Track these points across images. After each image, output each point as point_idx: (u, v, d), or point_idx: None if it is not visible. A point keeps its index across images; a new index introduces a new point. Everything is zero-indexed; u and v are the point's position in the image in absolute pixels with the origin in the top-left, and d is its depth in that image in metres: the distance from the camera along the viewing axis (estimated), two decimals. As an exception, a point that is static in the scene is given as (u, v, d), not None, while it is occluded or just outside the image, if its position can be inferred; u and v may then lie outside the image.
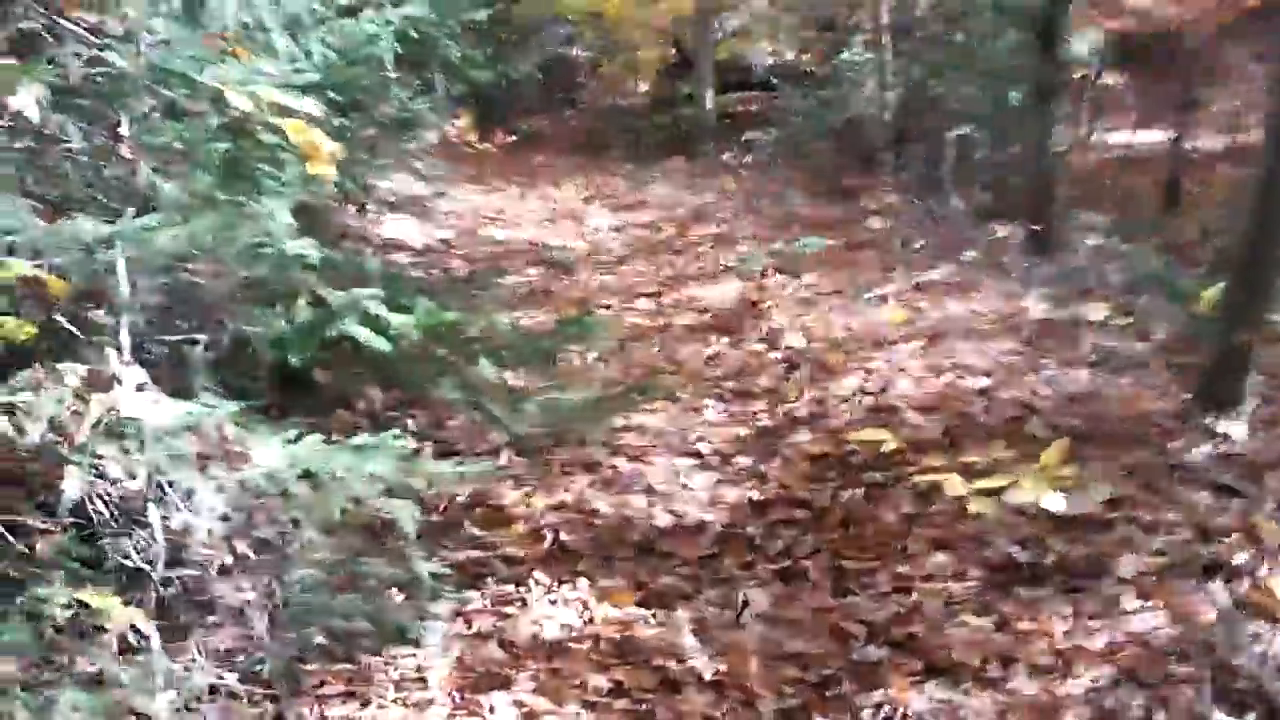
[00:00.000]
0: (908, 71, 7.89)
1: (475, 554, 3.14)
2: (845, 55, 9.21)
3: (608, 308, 5.36)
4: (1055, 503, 2.43)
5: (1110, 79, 14.04)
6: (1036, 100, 6.81)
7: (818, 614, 2.90)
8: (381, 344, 2.64)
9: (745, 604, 2.94)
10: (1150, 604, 2.83)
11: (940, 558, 3.04)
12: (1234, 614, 2.72)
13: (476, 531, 3.28)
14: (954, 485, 2.71)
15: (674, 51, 12.31)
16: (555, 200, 8.41)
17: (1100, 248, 6.53)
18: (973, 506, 2.68)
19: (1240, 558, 2.98)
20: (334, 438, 2.46)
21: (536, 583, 3.02)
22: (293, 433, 2.34)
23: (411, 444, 3.43)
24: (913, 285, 5.32)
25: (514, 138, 10.74)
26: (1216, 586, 2.86)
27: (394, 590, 2.78)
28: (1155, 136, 13.08)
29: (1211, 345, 4.10)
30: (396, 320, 2.64)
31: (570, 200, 8.42)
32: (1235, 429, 3.47)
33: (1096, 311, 4.83)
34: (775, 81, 9.05)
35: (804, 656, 2.73)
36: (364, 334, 2.63)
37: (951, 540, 3.11)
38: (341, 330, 2.61)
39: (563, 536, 3.26)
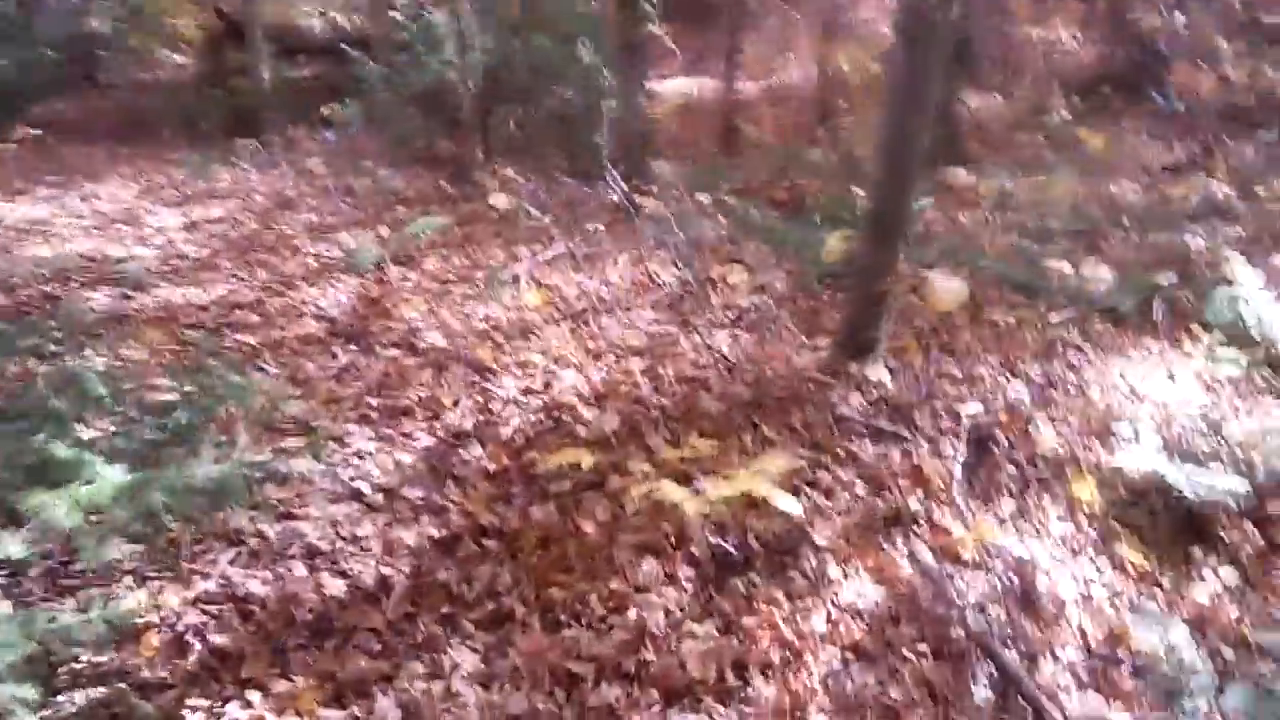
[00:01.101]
0: (489, 33, 7.58)
1: (99, 694, 2.44)
2: (398, 17, 8.71)
3: (201, 327, 4.55)
4: (790, 505, 2.32)
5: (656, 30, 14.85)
6: (623, 55, 6.85)
7: (536, 659, 2.59)
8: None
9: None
10: (851, 569, 2.87)
11: (649, 564, 2.86)
12: (929, 566, 2.82)
13: (94, 659, 2.56)
14: (668, 492, 2.51)
15: (218, 18, 10.98)
16: (102, 200, 7.11)
17: (695, 201, 6.75)
18: (688, 508, 2.51)
19: (914, 503, 3.13)
20: None
21: (192, 712, 2.41)
22: None
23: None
24: (541, 262, 5.10)
25: (37, 131, 9.01)
26: (903, 539, 2.97)
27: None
28: (699, 83, 14.05)
29: (836, 294, 4.32)
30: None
31: (121, 198, 7.17)
32: (879, 374, 3.65)
33: (720, 270, 4.93)
34: (344, 47, 8.31)
35: (534, 717, 2.43)
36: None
37: (655, 543, 2.94)
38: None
39: (213, 638, 2.64)
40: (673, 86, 13.99)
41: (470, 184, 7.06)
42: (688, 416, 3.50)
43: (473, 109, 7.62)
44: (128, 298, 4.86)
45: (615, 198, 6.49)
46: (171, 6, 10.64)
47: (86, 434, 2.65)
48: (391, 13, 9.78)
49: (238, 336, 4.46)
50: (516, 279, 4.84)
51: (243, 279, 5.21)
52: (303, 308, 4.74)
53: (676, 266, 4.99)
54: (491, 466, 3.32)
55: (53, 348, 4.20)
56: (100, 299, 4.79)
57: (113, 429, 2.51)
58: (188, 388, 3.09)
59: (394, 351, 4.21)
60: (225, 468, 2.46)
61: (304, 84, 11.17)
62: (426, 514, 3.16)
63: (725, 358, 3.90)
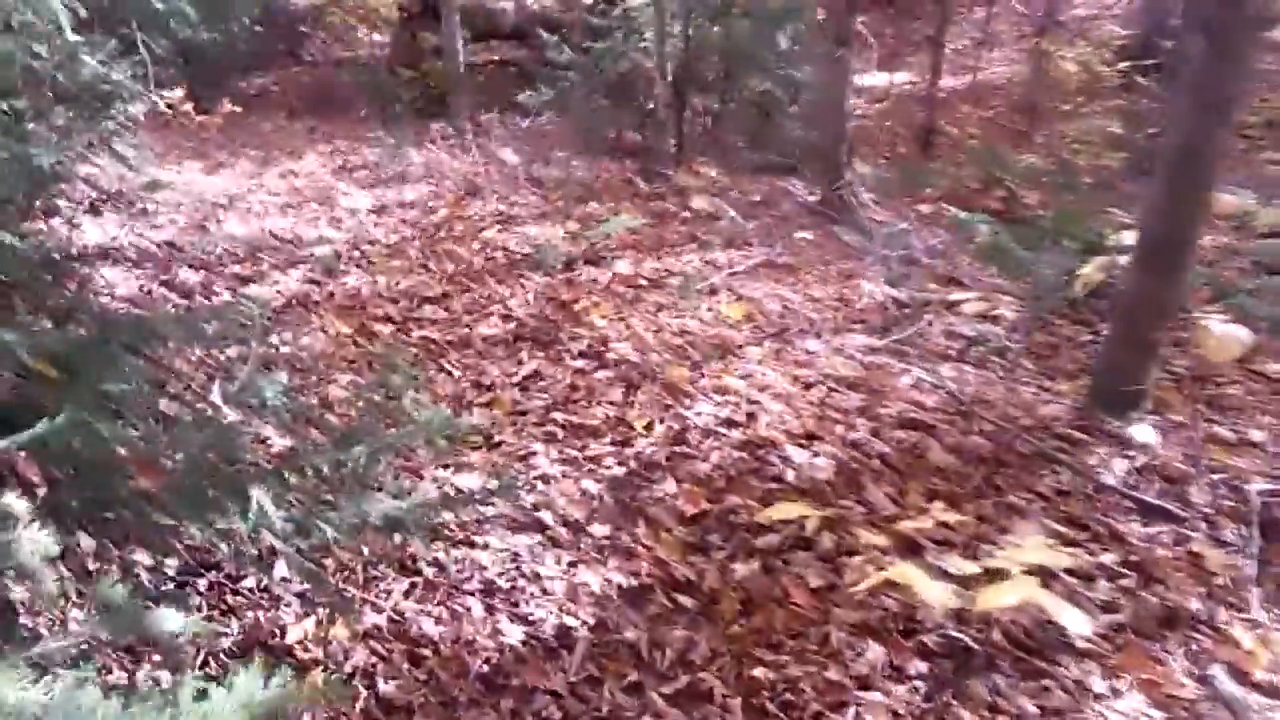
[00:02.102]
0: (687, 19, 7.23)
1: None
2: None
3: (388, 320, 4.40)
4: (1076, 622, 1.88)
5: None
6: (833, 45, 6.36)
7: (738, 756, 2.23)
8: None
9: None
10: (1121, 682, 2.36)
11: (872, 651, 2.44)
12: (1228, 692, 2.29)
13: (257, 695, 2.35)
14: (908, 576, 2.09)
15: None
16: (298, 176, 7.17)
17: (902, 207, 6.23)
18: (930, 596, 2.09)
19: (1194, 602, 2.59)
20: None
21: (356, 772, 2.16)
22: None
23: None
24: (740, 270, 4.71)
25: (237, 104, 9.26)
26: (1182, 650, 2.44)
27: None
28: (895, 77, 13.25)
29: (1078, 328, 3.76)
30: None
31: (316, 176, 7.21)
32: (1145, 434, 3.09)
33: (938, 290, 4.42)
34: (540, 33, 8.15)
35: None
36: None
37: (878, 624, 2.52)
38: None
39: (382, 685, 2.39)
40: (868, 80, 13.29)
41: (662, 179, 6.75)
42: (913, 468, 3.04)
43: (666, 99, 7.29)
44: (317, 283, 4.77)
45: (816, 199, 6.04)
46: (372, -14, 10.78)
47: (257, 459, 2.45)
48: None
49: (423, 333, 4.27)
50: (714, 289, 4.47)
51: (430, 270, 5.05)
52: (489, 305, 4.52)
53: (889, 283, 4.51)
54: (687, 508, 2.96)
55: (240, 333, 4.12)
56: (290, 283, 4.70)
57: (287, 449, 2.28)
58: (371, 394, 2.88)
59: (582, 362, 3.92)
60: (405, 504, 2.19)
61: (496, 68, 11.15)
62: (614, 556, 2.84)
63: (954, 398, 3.41)
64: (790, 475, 3.02)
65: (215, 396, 2.11)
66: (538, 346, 4.09)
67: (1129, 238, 3.70)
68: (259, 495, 1.71)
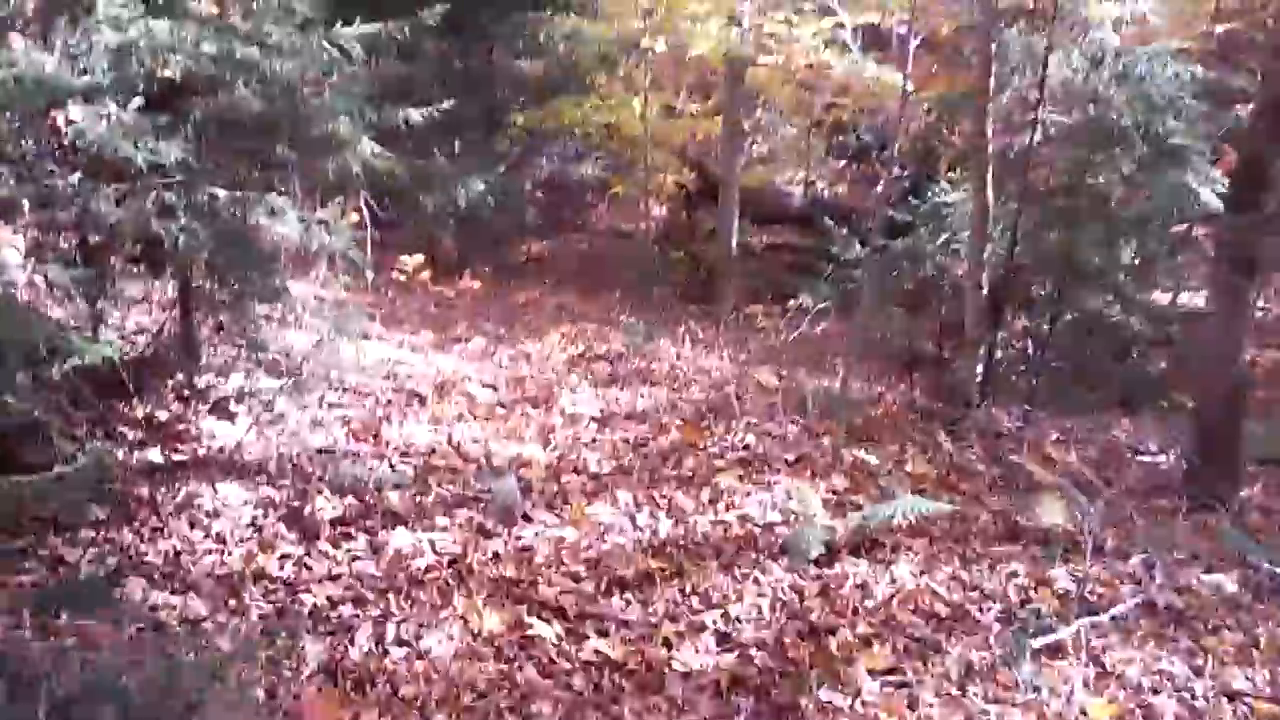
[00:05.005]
0: (1016, 220, 5.71)
1: None
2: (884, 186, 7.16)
3: (558, 612, 3.06)
4: None
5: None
6: (1229, 275, 4.60)
7: None
8: None
9: None
10: None
11: None
12: None
13: None
14: None
15: (696, 176, 10.27)
16: (529, 361, 6.19)
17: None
18: None
19: None
20: None
21: None
22: None
23: None
24: (1100, 612, 3.02)
25: (501, 271, 8.66)
26: None
27: None
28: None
29: None
30: None
31: (550, 362, 6.21)
32: None
33: None
34: (828, 221, 6.90)
35: None
36: None
37: None
38: None
39: None
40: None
41: (965, 419, 5.16)
42: None
43: (979, 315, 5.74)
44: (485, 534, 3.54)
45: (1187, 473, 4.21)
46: (663, 159, 10.01)
47: None
48: (882, 180, 8.36)
49: (599, 646, 2.89)
50: (1059, 645, 2.80)
51: (639, 527, 3.72)
52: (703, 610, 3.09)
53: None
54: None
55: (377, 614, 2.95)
56: (450, 532, 3.50)
57: None
58: None
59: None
60: None
61: (773, 255, 10.07)
62: None
63: None
64: None
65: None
66: (766, 710, 2.58)
67: None
68: None
